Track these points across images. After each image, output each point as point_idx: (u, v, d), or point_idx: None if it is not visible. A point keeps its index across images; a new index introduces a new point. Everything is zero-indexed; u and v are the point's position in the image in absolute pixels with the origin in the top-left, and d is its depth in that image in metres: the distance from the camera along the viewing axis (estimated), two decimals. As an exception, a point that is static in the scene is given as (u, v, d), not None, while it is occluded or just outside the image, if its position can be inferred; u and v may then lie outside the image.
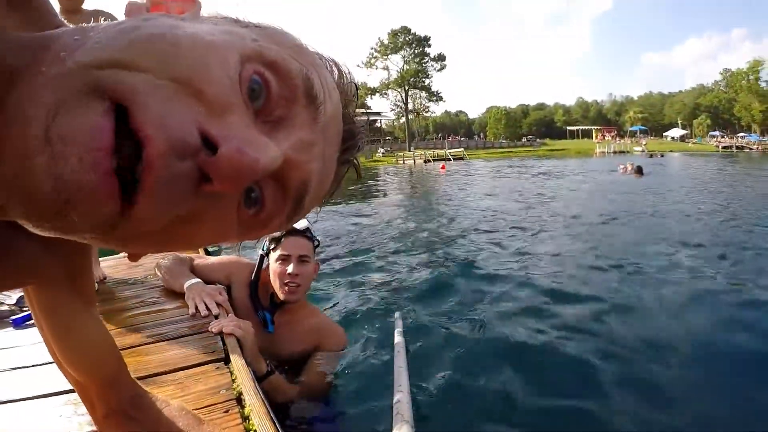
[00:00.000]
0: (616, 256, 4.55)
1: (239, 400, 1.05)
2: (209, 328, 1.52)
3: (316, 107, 0.35)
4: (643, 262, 4.27)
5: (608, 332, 2.83)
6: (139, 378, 1.18)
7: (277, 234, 1.89)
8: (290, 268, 1.84)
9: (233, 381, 1.14)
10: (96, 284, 2.15)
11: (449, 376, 2.15)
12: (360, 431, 1.73)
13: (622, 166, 17.28)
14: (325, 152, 0.37)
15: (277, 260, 1.87)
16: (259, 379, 1.47)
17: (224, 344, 1.42)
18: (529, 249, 5.05)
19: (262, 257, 1.97)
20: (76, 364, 0.69)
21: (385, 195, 13.69)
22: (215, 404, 1.03)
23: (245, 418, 0.96)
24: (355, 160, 0.45)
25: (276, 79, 0.33)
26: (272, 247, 1.91)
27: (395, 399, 1.41)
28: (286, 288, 1.85)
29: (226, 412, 0.99)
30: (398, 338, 1.90)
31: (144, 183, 0.27)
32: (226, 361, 1.30)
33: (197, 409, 0.99)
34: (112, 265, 2.80)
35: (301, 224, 1.89)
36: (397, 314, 2.42)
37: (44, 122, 0.25)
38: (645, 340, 2.66)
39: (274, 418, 0.94)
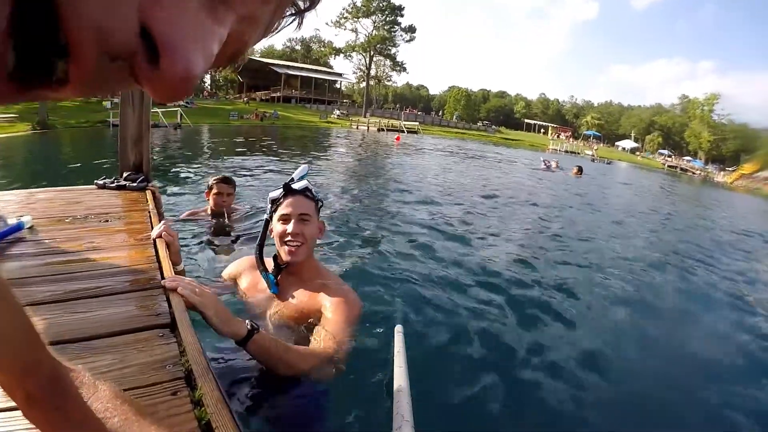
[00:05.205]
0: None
1: (189, 378, 0.89)
2: (163, 283, 1.34)
3: None
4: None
5: (607, 331, 3.05)
6: (70, 341, 1.01)
7: (275, 194, 1.91)
8: (290, 227, 1.83)
9: (181, 354, 0.98)
10: (29, 222, 1.91)
11: (449, 376, 2.14)
12: (360, 431, 1.66)
13: (546, 161, 18.03)
14: (275, 15, 0.33)
15: (278, 220, 1.88)
16: (241, 342, 1.32)
17: (170, 306, 1.23)
18: (517, 241, 5.13)
19: (266, 221, 1.95)
20: None
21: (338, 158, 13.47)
22: (160, 383, 0.86)
23: (196, 403, 0.81)
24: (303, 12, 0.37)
25: None
26: (274, 209, 1.91)
27: (395, 399, 1.34)
28: (287, 248, 1.84)
29: (174, 394, 0.83)
30: (398, 338, 1.83)
31: (68, 81, 0.23)
32: (173, 328, 1.12)
33: (139, 388, 0.84)
34: (48, 198, 2.55)
35: (299, 184, 1.91)
36: (397, 314, 2.35)
37: None
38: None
39: (229, 404, 0.81)
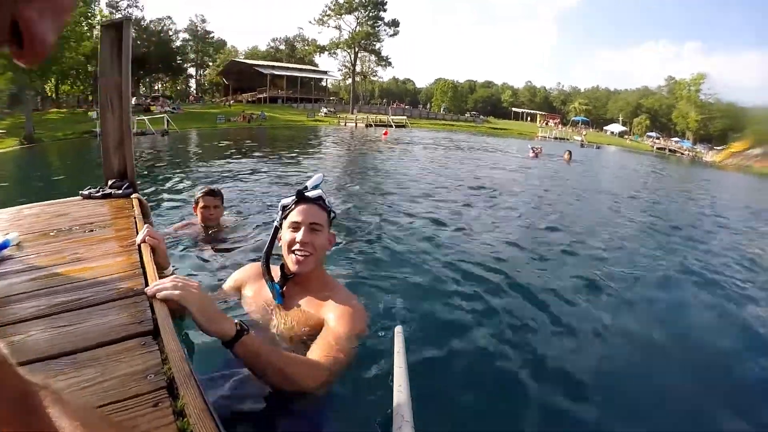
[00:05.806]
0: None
1: (171, 387, 0.85)
2: (145, 290, 1.30)
3: None
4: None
5: (606, 326, 2.95)
6: (51, 357, 0.98)
7: (287, 201, 1.84)
8: (299, 236, 1.75)
9: (163, 362, 0.94)
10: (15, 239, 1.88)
11: (449, 376, 2.11)
12: (360, 431, 1.64)
13: (534, 148, 18.10)
14: None
15: (288, 228, 1.80)
16: (228, 343, 1.22)
17: (153, 312, 1.18)
18: (516, 240, 4.99)
19: (276, 228, 1.88)
20: None
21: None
22: (141, 395, 0.82)
23: (179, 414, 0.77)
24: None
25: None
26: (284, 215, 1.84)
27: (395, 399, 1.32)
28: (294, 257, 1.76)
29: (155, 405, 0.79)
30: (398, 338, 1.80)
31: None
32: (155, 335, 1.08)
33: (120, 401, 0.81)
34: (35, 213, 2.51)
35: (313, 193, 1.84)
36: (397, 314, 2.32)
37: None
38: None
39: (214, 413, 0.78)
